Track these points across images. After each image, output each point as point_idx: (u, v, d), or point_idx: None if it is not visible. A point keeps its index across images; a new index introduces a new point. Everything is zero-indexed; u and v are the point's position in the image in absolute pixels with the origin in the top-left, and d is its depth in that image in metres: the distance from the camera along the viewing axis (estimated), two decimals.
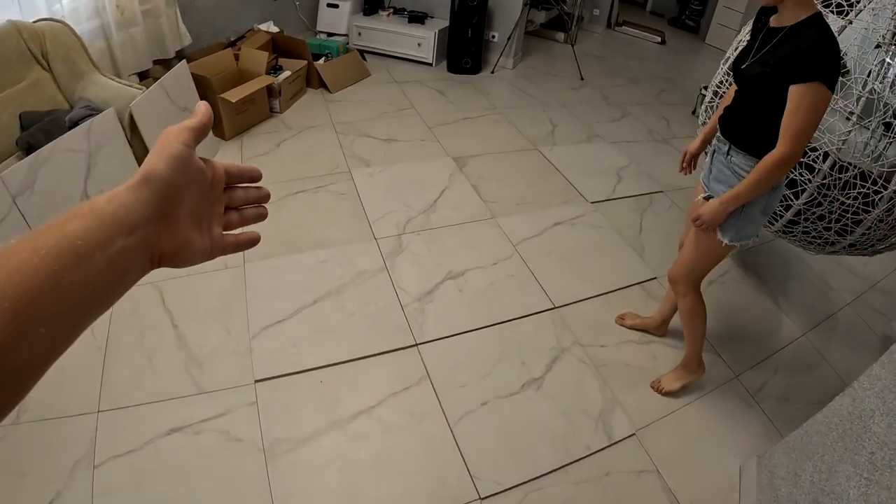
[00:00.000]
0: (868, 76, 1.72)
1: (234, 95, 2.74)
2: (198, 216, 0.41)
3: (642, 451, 1.71)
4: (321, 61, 3.58)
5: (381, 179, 2.70)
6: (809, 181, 1.85)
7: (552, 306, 2.12)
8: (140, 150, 2.24)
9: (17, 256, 0.28)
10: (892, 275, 2.74)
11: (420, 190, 2.66)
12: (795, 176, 1.88)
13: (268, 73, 3.18)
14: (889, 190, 1.74)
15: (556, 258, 2.37)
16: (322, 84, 3.54)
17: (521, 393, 1.81)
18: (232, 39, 3.37)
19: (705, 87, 4.18)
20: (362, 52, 4.02)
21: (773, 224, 2.13)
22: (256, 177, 0.48)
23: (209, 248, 0.42)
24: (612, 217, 2.73)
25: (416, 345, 1.89)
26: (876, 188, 1.75)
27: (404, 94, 3.67)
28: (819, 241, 2.04)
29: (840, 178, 1.79)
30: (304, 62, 3.39)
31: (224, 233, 0.45)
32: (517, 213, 2.61)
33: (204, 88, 2.70)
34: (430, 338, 1.91)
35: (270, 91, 3.09)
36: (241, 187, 0.47)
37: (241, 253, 2.03)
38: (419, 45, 4.14)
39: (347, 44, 4.10)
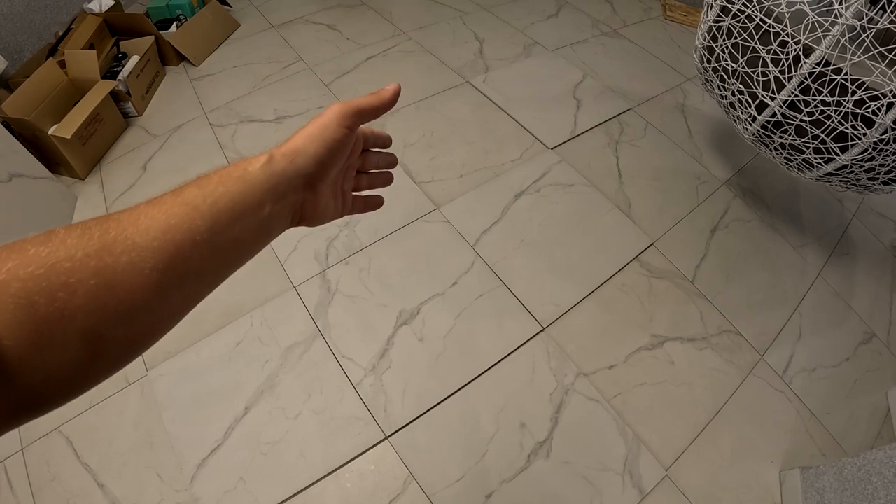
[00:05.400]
0: None
1: (68, 128, 2.17)
2: (337, 182, 0.47)
3: (678, 494, 1.54)
4: (173, 28, 2.93)
5: None
6: (864, 135, 1.52)
7: (540, 328, 1.81)
8: None
9: (176, 212, 0.33)
10: None
11: None
12: (847, 129, 1.54)
13: (110, 67, 2.57)
14: None
15: (529, 250, 2.02)
16: (182, 57, 2.93)
17: (530, 467, 1.54)
18: (60, 34, 2.67)
19: None
20: None
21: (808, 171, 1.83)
22: (388, 143, 0.53)
23: (340, 210, 0.49)
24: (581, 164, 2.36)
25: (387, 437, 1.57)
26: None
27: (287, 43, 3.09)
28: (857, 185, 1.77)
29: None
30: (151, 38, 2.76)
31: (353, 193, 0.52)
32: (464, 191, 2.21)
33: (26, 131, 2.14)
34: (400, 423, 1.59)
35: (118, 95, 2.50)
36: (374, 152, 0.52)
37: (141, 362, 1.66)
38: None
39: None
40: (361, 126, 0.46)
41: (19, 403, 0.27)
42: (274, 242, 1.98)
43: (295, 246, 2.00)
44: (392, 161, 0.55)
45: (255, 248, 0.40)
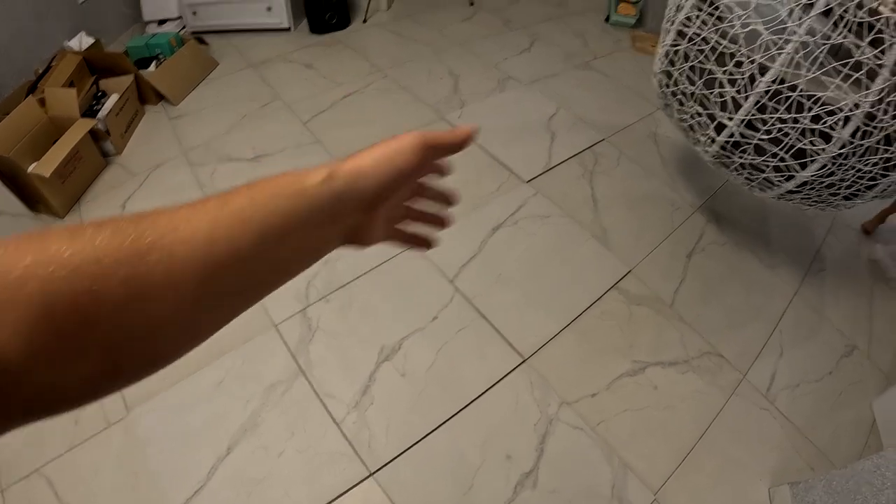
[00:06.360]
0: None
1: (47, 166, 2.19)
2: (393, 208, 0.45)
3: None
4: (152, 67, 2.99)
5: None
6: (822, 151, 1.59)
7: (521, 359, 1.84)
8: None
9: (222, 223, 0.31)
10: None
11: None
12: (805, 145, 1.61)
13: (90, 106, 2.61)
14: None
15: (508, 282, 2.07)
16: (161, 96, 2.98)
17: (517, 498, 1.56)
18: (40, 71, 2.70)
19: None
20: (202, 37, 3.40)
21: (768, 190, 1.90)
22: (447, 171, 0.48)
23: (386, 236, 0.46)
24: (557, 195, 2.43)
25: (372, 474, 1.58)
26: None
27: (264, 81, 3.15)
28: (819, 202, 1.84)
29: (861, 146, 1.54)
30: (131, 77, 2.81)
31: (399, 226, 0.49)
32: None
33: (5, 168, 2.16)
34: (385, 459, 1.60)
35: (97, 134, 2.53)
36: (431, 185, 0.49)
37: (122, 401, 1.66)
38: (269, 8, 3.55)
39: (183, 29, 3.47)
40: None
41: (23, 409, 0.25)
42: None
43: None
44: (449, 196, 0.50)
45: (302, 267, 0.38)
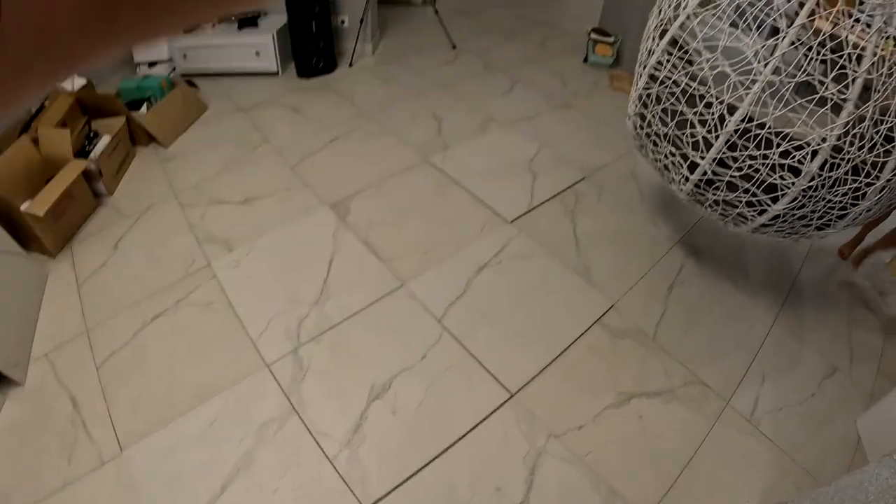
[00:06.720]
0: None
1: (41, 205, 2.25)
2: None
3: None
4: (143, 109, 3.08)
5: (250, 268, 2.33)
6: (793, 184, 1.69)
7: (508, 395, 1.90)
8: None
9: None
10: None
11: (302, 270, 2.32)
12: (776, 180, 1.71)
13: (82, 145, 2.68)
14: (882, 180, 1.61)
15: (494, 320, 2.14)
16: (152, 138, 3.06)
17: None
18: (33, 111, 2.78)
19: (592, 30, 4.02)
20: (192, 80, 3.51)
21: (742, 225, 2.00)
22: None
23: None
24: (540, 235, 2.52)
25: None
26: (869, 180, 1.62)
27: (253, 125, 3.25)
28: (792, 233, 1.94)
29: (830, 178, 1.64)
30: (123, 118, 2.89)
31: None
32: (428, 267, 2.34)
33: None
34: (378, 495, 1.64)
35: (89, 174, 2.60)
36: None
37: (115, 441, 1.69)
38: (257, 53, 3.68)
39: (173, 71, 3.58)
40: None
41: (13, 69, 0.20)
42: (245, 321, 2.08)
43: (266, 323, 2.08)
44: None
45: None
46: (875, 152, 1.57)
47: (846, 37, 1.51)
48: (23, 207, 2.25)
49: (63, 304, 2.16)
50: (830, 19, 1.52)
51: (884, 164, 1.60)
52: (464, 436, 1.79)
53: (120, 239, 2.48)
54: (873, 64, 1.49)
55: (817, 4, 1.53)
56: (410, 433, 1.79)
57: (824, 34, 1.53)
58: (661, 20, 1.97)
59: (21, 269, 2.12)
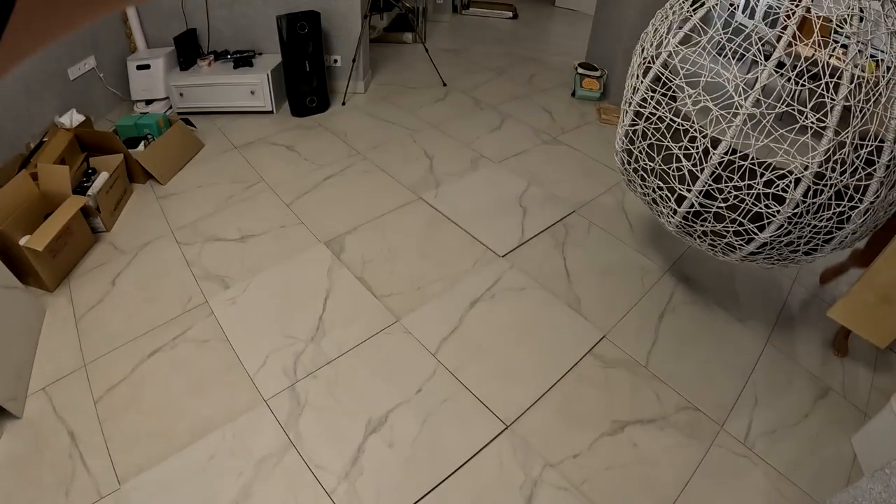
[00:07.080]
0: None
1: (40, 240, 2.29)
2: None
3: None
4: (140, 147, 3.15)
5: (246, 304, 2.37)
6: (778, 212, 1.76)
7: (504, 426, 1.93)
8: None
9: None
10: None
11: (298, 307, 2.36)
12: (761, 209, 1.78)
13: (80, 182, 2.74)
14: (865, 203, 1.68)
15: (487, 354, 2.18)
16: (149, 175, 3.12)
17: None
18: (32, 147, 2.84)
19: (579, 65, 4.15)
20: (188, 118, 3.59)
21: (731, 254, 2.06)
22: None
23: None
24: (531, 268, 2.58)
25: None
26: (853, 204, 1.69)
27: (248, 163, 3.32)
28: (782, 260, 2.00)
29: (814, 204, 1.71)
30: (121, 156, 2.96)
31: None
32: (422, 303, 2.39)
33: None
34: None
35: (88, 210, 2.65)
36: None
37: (113, 475, 1.71)
38: (252, 92, 3.77)
39: (169, 109, 3.67)
40: None
41: None
42: (243, 357, 2.12)
43: (264, 360, 2.12)
44: None
45: None
46: (857, 176, 1.65)
47: (824, 64, 1.59)
48: (21, 242, 2.29)
49: (61, 338, 2.19)
50: (809, 46, 1.61)
51: (866, 187, 1.68)
52: (460, 467, 1.82)
53: (118, 275, 2.52)
54: (850, 91, 1.57)
55: (793, 36, 1.62)
56: (407, 466, 1.82)
57: (803, 61, 1.62)
58: (644, 58, 2.06)
59: (19, 303, 2.15)
